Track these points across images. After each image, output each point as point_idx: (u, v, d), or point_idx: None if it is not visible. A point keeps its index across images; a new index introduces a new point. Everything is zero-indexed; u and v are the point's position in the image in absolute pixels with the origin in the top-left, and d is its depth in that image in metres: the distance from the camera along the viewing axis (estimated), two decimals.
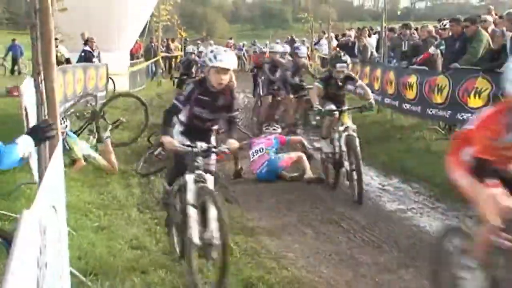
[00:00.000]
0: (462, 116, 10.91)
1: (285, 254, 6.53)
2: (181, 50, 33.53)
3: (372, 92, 16.11)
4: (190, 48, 19.31)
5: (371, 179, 9.87)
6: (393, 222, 7.67)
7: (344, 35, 25.94)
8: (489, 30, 11.90)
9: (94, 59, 17.84)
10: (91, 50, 17.71)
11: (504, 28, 10.59)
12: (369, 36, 20.11)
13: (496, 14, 14.07)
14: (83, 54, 17.61)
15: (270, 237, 7.15)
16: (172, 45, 33.51)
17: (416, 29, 16.58)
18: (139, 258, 6.15)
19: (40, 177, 5.16)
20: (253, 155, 10.25)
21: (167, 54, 31.13)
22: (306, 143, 11.01)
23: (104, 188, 8.84)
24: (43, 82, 5.41)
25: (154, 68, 29.07)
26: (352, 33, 23.73)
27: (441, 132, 12.17)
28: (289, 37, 37.23)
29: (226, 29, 74.35)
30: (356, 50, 18.79)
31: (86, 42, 18.07)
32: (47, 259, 2.69)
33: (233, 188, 9.36)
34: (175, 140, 5.87)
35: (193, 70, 15.75)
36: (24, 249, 2.18)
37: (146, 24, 27.46)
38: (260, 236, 7.16)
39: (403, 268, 6.13)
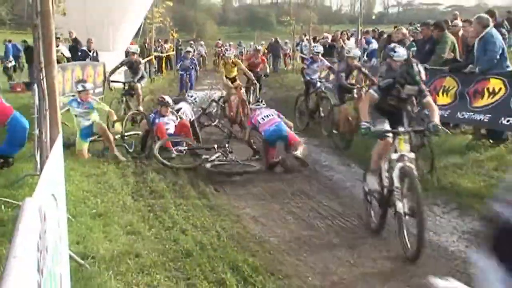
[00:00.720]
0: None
1: (268, 239, 6.54)
2: (173, 50, 33.55)
3: None
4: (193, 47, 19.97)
5: (349, 169, 9.90)
6: None
7: (323, 38, 26.28)
8: (459, 34, 11.99)
9: (88, 58, 17.79)
10: (87, 50, 17.68)
11: (472, 30, 10.62)
12: (348, 39, 20.20)
13: (461, 20, 14.14)
14: (79, 53, 17.62)
15: (254, 223, 7.16)
16: (166, 46, 33.56)
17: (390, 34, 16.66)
18: (133, 243, 6.14)
19: (42, 168, 5.13)
20: (263, 119, 10.55)
21: (160, 54, 31.11)
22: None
23: (101, 178, 8.81)
24: (44, 79, 5.38)
25: (147, 67, 29.03)
26: (330, 36, 24.07)
27: None
28: (273, 39, 37.21)
29: (215, 31, 74.25)
30: (334, 51, 19.02)
31: (74, 41, 18.19)
32: (47, 243, 2.68)
33: (221, 178, 9.36)
34: None
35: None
36: (25, 234, 2.17)
37: (141, 26, 27.39)
38: (245, 222, 7.18)
39: (377, 252, 6.16)
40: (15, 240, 2.09)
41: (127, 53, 15.07)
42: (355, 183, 8.96)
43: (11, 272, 1.85)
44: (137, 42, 30.25)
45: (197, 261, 5.69)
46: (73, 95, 11.09)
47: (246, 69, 15.38)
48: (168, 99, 11.55)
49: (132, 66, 14.15)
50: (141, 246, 6.07)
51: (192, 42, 43.11)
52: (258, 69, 17.92)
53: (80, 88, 10.52)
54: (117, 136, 11.02)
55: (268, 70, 20.51)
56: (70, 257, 4.91)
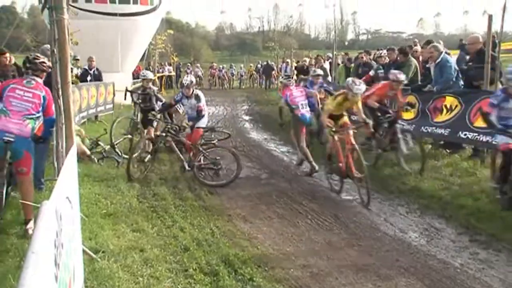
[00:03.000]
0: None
1: (255, 235, 6.52)
2: (174, 71, 33.77)
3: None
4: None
5: (322, 175, 9.89)
6: (341, 209, 7.70)
7: (299, 61, 27.07)
8: (420, 58, 12.07)
9: (89, 77, 16.60)
10: (87, 69, 16.84)
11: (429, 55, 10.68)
12: (324, 62, 20.28)
13: (420, 46, 14.25)
14: (79, 71, 16.73)
15: (244, 222, 7.13)
16: (170, 68, 33.82)
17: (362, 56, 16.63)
18: (138, 239, 6.11)
19: (58, 174, 5.11)
20: (302, 106, 10.32)
21: (162, 74, 31.14)
22: None
23: (111, 182, 8.75)
24: (60, 97, 5.36)
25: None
26: (307, 59, 24.69)
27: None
28: (266, 62, 37.59)
29: (209, 54, 74.31)
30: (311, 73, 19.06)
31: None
32: (62, 240, 2.67)
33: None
34: None
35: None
36: (43, 232, 2.16)
37: (145, 51, 27.41)
38: (236, 221, 7.15)
39: (350, 246, 6.15)
40: (34, 237, 2.08)
41: (140, 77, 12.07)
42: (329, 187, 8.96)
43: (29, 265, 1.84)
44: (143, 65, 30.37)
45: (194, 255, 5.66)
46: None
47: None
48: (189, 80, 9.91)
49: (145, 98, 11.17)
50: (145, 242, 6.03)
51: (189, 64, 43.35)
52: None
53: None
54: (107, 147, 10.62)
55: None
56: (84, 251, 4.88)
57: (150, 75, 12.07)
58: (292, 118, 10.58)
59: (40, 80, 6.27)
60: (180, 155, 9.48)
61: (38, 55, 6.55)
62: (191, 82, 9.77)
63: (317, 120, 10.86)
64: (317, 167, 9.82)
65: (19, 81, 6.24)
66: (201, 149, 9.38)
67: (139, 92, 11.34)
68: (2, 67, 9.02)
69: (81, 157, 9.81)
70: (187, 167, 9.34)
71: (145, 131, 10.76)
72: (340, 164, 8.43)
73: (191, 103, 9.77)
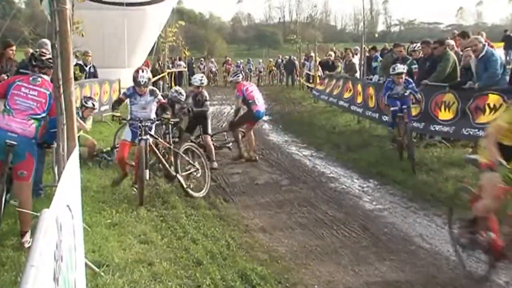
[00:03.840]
0: (434, 127, 10.93)
1: (275, 248, 6.51)
2: (186, 67, 33.77)
3: (355, 105, 16.08)
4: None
5: (352, 181, 9.85)
6: (371, 219, 7.65)
7: (326, 55, 27.23)
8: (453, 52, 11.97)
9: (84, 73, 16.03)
10: (83, 65, 16.51)
11: (469, 50, 10.58)
12: (353, 56, 20.24)
13: (453, 38, 14.12)
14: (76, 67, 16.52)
15: (263, 233, 7.13)
16: (181, 63, 33.75)
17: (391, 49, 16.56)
18: (146, 252, 6.13)
19: (59, 180, 5.15)
20: (258, 100, 11.42)
21: (172, 70, 31.13)
22: None
23: (115, 189, 8.80)
24: (62, 95, 5.40)
25: (160, 83, 29.01)
26: (333, 54, 24.93)
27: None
28: (289, 57, 37.66)
29: (224, 48, 74.36)
30: (343, 67, 19.05)
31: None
32: (63, 253, 2.68)
33: (231, 189, 9.35)
34: None
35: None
36: (43, 244, 2.17)
37: (154, 44, 27.53)
38: (254, 232, 7.15)
39: (380, 260, 6.11)
40: (33, 249, 2.09)
41: (193, 83, 11.66)
42: (359, 195, 8.93)
43: (28, 281, 1.84)
44: (151, 60, 30.49)
45: (207, 270, 5.66)
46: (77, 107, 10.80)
47: None
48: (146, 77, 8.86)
49: (197, 103, 11.21)
50: (153, 254, 6.06)
51: (202, 59, 43.38)
52: None
53: (90, 105, 10.46)
54: (106, 149, 10.94)
55: None
56: (86, 265, 4.90)
57: (204, 80, 11.86)
58: (245, 113, 11.54)
59: (47, 78, 6.37)
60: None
61: (44, 50, 6.65)
62: (149, 79, 8.77)
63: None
64: (245, 154, 11.28)
65: (26, 78, 6.35)
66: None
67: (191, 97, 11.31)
68: (7, 61, 9.16)
69: (90, 153, 10.03)
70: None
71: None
72: (492, 237, 5.25)
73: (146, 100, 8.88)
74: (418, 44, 13.18)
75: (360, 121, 15.98)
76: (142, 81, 8.63)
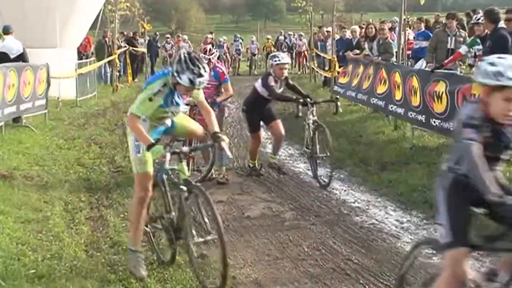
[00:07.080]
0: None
1: None
2: (145, 47, 33.53)
3: (393, 103, 16.03)
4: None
5: (387, 214, 9.89)
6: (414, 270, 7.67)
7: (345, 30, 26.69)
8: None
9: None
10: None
11: None
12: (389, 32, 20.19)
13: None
14: None
15: None
16: (141, 40, 33.46)
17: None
18: None
19: None
20: None
21: (132, 49, 30.69)
22: None
23: (42, 225, 8.80)
24: None
25: (108, 70, 28.95)
26: (358, 29, 23.82)
27: None
28: (300, 34, 37.69)
29: (201, 21, 74.48)
30: (375, 47, 18.73)
31: None
32: None
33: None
34: None
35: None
36: None
37: (99, 15, 27.53)
38: (244, 287, 7.15)
39: None
40: None
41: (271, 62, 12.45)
42: (398, 233, 8.95)
43: None
44: (95, 36, 30.50)
45: None
46: None
47: None
48: None
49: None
50: None
51: (169, 36, 43.14)
52: None
53: None
54: None
55: None
56: None
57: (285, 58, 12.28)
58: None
59: None
60: None
61: None
62: None
63: None
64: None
65: None
66: None
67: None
68: None
69: None
70: None
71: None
72: None
73: None
74: (481, 14, 13.29)
75: (398, 126, 15.98)
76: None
